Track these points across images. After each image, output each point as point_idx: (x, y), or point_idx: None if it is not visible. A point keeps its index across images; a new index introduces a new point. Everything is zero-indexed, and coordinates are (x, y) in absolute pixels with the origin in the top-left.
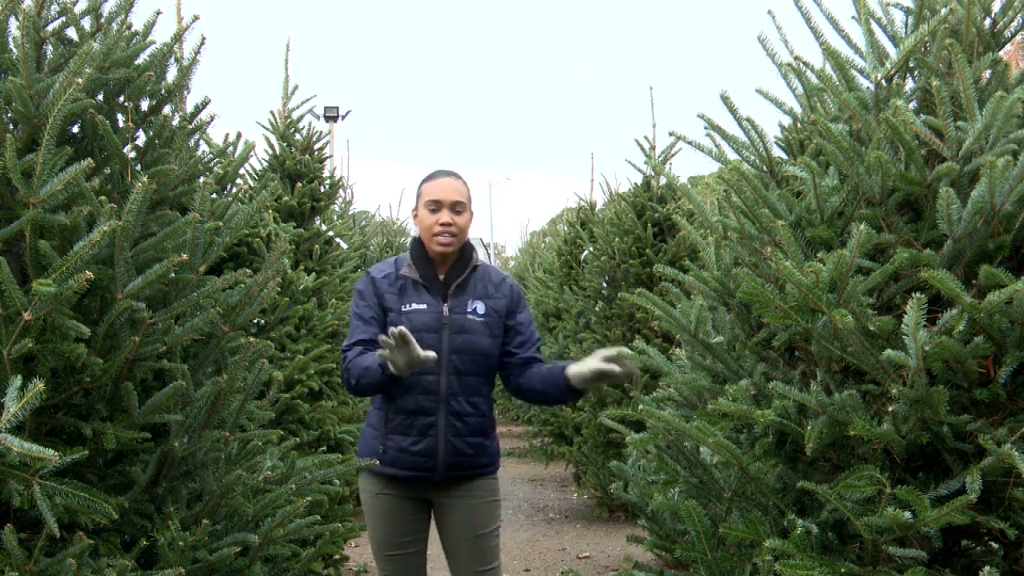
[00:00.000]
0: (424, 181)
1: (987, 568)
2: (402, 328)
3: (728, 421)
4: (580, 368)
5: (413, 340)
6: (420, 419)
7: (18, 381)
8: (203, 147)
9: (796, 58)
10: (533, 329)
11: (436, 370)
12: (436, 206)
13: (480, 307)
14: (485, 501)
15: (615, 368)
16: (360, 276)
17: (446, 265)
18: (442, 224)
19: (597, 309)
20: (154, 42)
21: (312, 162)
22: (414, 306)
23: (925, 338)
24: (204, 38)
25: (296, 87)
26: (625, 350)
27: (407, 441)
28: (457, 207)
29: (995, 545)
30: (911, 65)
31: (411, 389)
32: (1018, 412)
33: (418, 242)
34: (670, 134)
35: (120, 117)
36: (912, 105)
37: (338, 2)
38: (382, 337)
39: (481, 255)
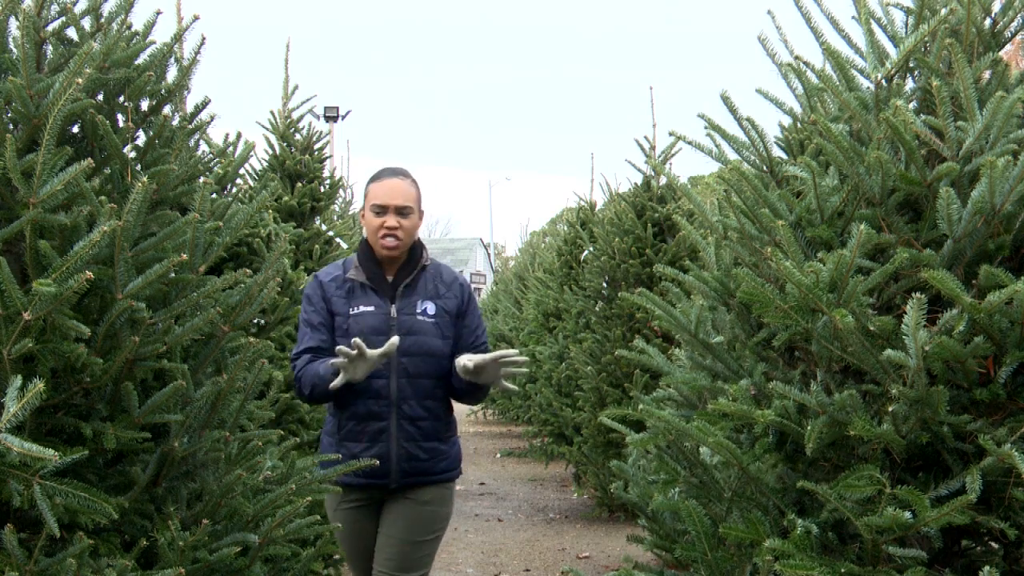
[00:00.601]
0: (371, 181)
1: (987, 568)
2: (358, 340)
3: (728, 421)
4: (464, 360)
5: (367, 351)
6: (371, 424)
7: (18, 381)
8: (203, 147)
9: (796, 58)
10: (480, 332)
11: (386, 373)
12: (381, 210)
13: (430, 307)
14: (430, 507)
15: (492, 369)
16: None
17: (394, 266)
18: (387, 228)
19: (597, 309)
20: (154, 42)
21: (312, 162)
22: (361, 308)
23: (925, 338)
24: (204, 38)
25: (296, 87)
26: (523, 359)
27: (359, 447)
28: (403, 211)
29: (995, 545)
30: (911, 65)
31: (361, 394)
32: (1018, 412)
33: (366, 243)
34: (670, 134)
35: (120, 117)
36: (912, 105)
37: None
38: (340, 348)
39: (481, 255)
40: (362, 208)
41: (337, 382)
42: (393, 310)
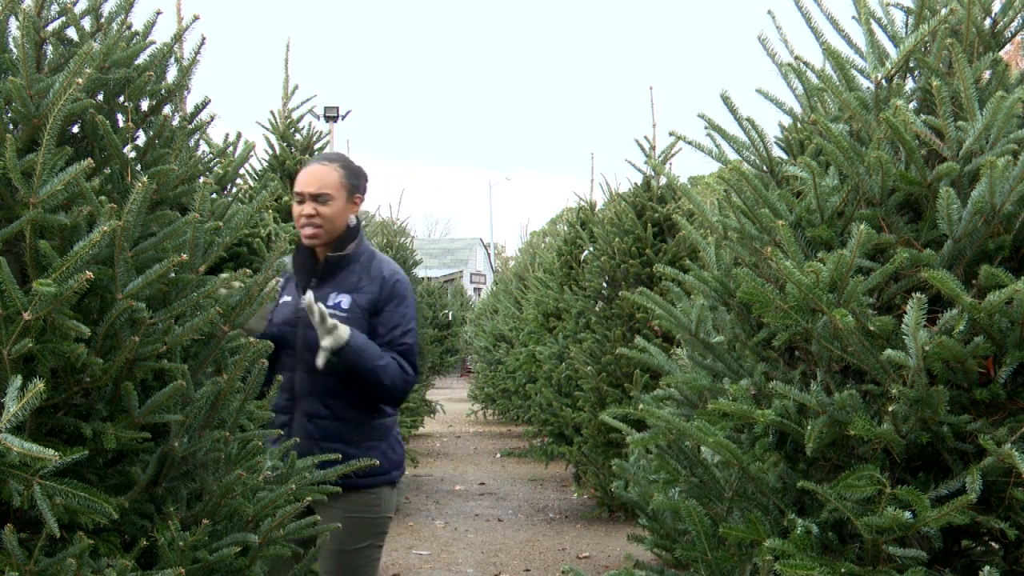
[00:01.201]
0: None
1: (987, 568)
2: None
3: (728, 421)
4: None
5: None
6: (278, 418)
7: (18, 381)
8: (203, 147)
9: (796, 58)
10: (397, 332)
11: (291, 366)
12: (300, 197)
13: (345, 301)
14: (352, 516)
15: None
16: None
17: (322, 256)
18: (305, 216)
19: (597, 309)
20: (154, 42)
21: None
22: (283, 299)
23: (925, 338)
24: (204, 38)
25: (296, 87)
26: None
27: (275, 439)
28: (319, 197)
29: (995, 545)
30: (911, 65)
31: (276, 384)
32: (1018, 412)
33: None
34: (670, 134)
35: (120, 117)
36: (912, 105)
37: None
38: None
39: (481, 255)
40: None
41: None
42: (303, 301)
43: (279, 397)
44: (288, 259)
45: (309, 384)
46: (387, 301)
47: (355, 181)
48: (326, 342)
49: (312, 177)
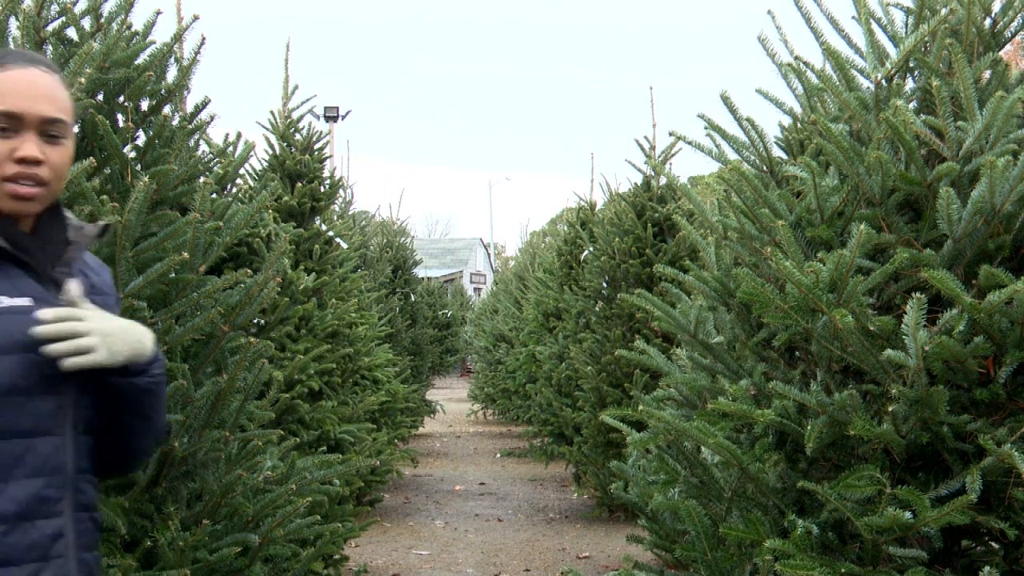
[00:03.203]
0: None
1: (987, 568)
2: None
3: (728, 421)
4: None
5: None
6: (42, 526)
7: None
8: (203, 147)
9: (796, 58)
10: None
11: (57, 423)
12: (13, 123)
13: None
14: None
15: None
16: None
17: (28, 226)
18: (21, 161)
19: (597, 309)
20: (154, 42)
21: (312, 162)
22: (8, 301)
23: (925, 338)
24: (204, 38)
25: (296, 87)
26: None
27: None
28: (55, 128)
29: (995, 545)
30: (911, 65)
31: (13, 466)
32: (1018, 412)
33: None
34: (670, 134)
35: (120, 117)
36: (912, 105)
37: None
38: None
39: (481, 255)
40: None
41: None
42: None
43: (43, 484)
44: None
45: (83, 450)
46: (116, 310)
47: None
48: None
49: (41, 91)
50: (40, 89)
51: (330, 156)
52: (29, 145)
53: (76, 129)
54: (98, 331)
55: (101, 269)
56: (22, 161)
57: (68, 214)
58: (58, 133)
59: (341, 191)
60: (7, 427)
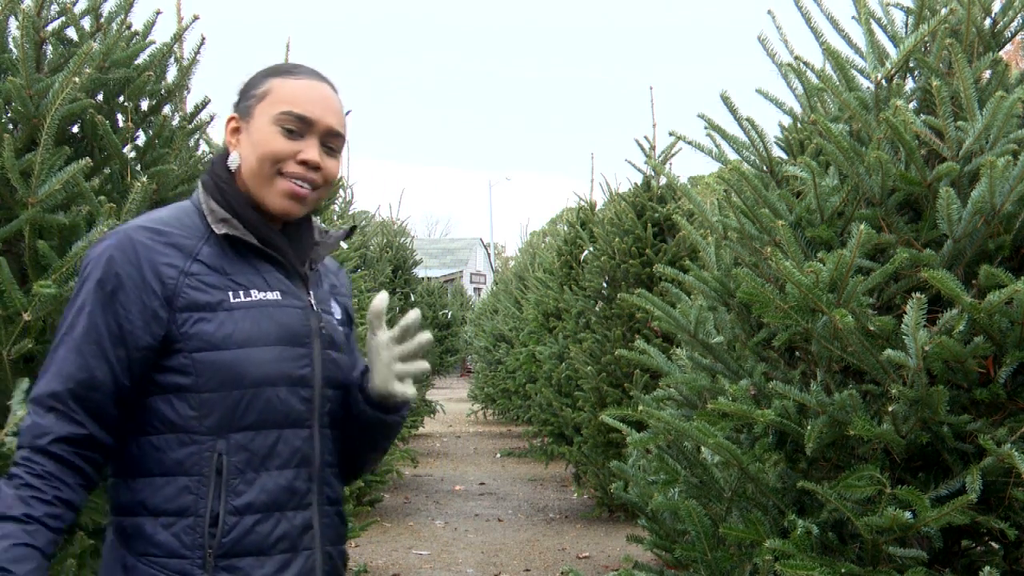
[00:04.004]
0: (274, 74)
1: (987, 568)
2: (413, 316)
3: (728, 421)
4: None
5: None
6: (286, 519)
7: (24, 383)
8: (203, 147)
9: (796, 58)
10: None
11: (306, 415)
12: (302, 126)
13: (335, 307)
14: None
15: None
16: (116, 248)
17: (277, 228)
18: (303, 163)
19: (597, 309)
20: (154, 42)
21: None
22: (259, 295)
23: (925, 338)
24: (204, 38)
25: None
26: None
27: (269, 569)
28: (333, 142)
29: (995, 545)
30: (911, 65)
31: (266, 457)
32: (1018, 412)
33: (228, 177)
34: (670, 134)
35: (120, 117)
36: (912, 105)
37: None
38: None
39: (481, 255)
40: (242, 116)
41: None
42: (312, 301)
43: (295, 477)
44: (176, 219)
45: (329, 445)
46: (352, 313)
47: None
48: (406, 388)
49: (329, 103)
50: (331, 102)
51: None
52: (313, 150)
53: (76, 129)
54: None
55: (339, 271)
56: (304, 163)
57: (315, 218)
58: (336, 147)
59: (341, 191)
60: (260, 418)
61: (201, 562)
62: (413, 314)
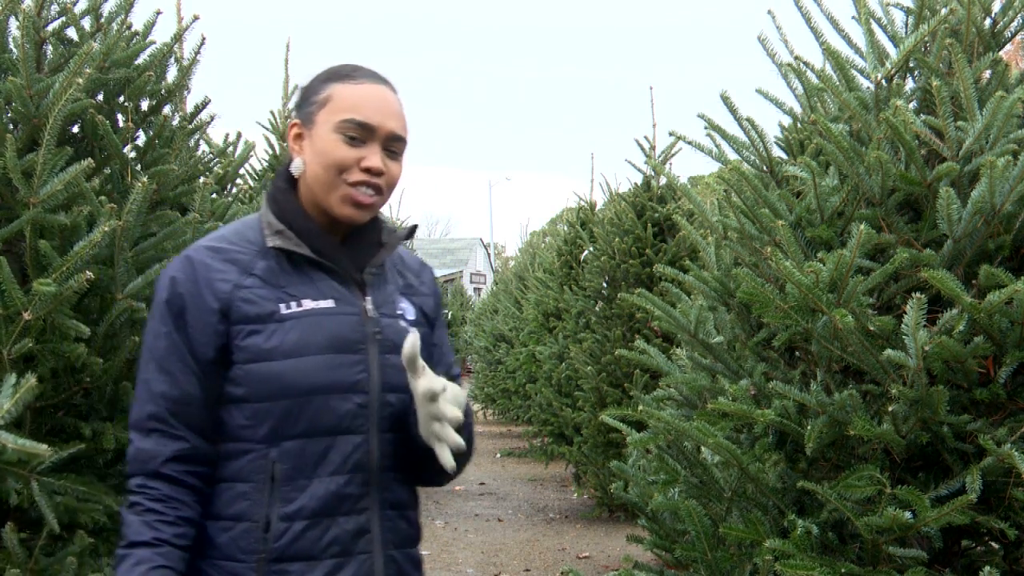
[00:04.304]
0: (334, 79)
1: (987, 568)
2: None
3: (728, 421)
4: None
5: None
6: (339, 523)
7: (12, 379)
8: (203, 147)
9: (796, 58)
10: (451, 356)
11: (363, 422)
12: (364, 133)
13: (408, 308)
14: None
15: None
16: (179, 270)
17: (340, 234)
18: (367, 170)
19: (597, 309)
20: (154, 42)
21: None
22: (310, 304)
23: (925, 338)
24: (204, 38)
25: (296, 87)
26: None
27: (317, 574)
28: (398, 145)
29: (995, 545)
30: (911, 65)
31: (317, 464)
32: (1018, 412)
33: (290, 187)
34: (670, 134)
35: (120, 117)
36: (912, 105)
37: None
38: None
39: (481, 255)
40: (302, 122)
41: None
42: (369, 306)
43: (347, 482)
44: (236, 235)
45: (391, 450)
46: (438, 311)
47: None
48: (444, 455)
49: (390, 107)
50: (391, 106)
51: None
52: (376, 157)
53: (76, 129)
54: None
55: (421, 269)
56: (367, 171)
57: (383, 217)
58: (398, 151)
59: None
60: (310, 426)
61: (255, 566)
62: (440, 383)
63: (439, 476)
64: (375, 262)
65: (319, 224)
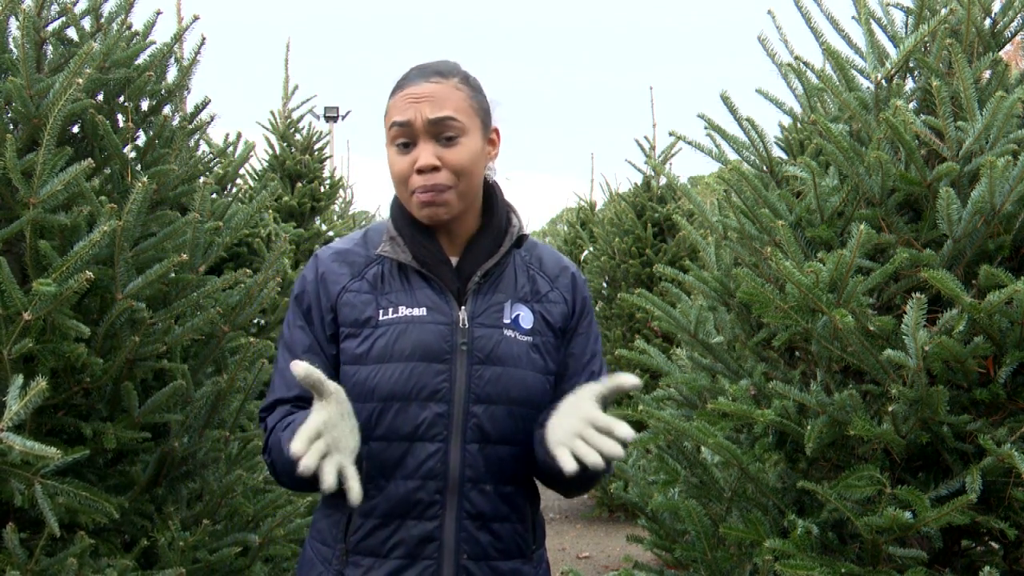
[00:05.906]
0: (391, 92)
1: (987, 568)
2: (300, 364)
3: (728, 421)
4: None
5: (323, 384)
6: (408, 527)
7: (19, 380)
8: (203, 147)
9: (796, 58)
10: (598, 365)
11: (441, 432)
12: (406, 136)
13: (526, 316)
14: None
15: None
16: (308, 269)
17: (459, 238)
18: (420, 170)
19: (597, 309)
20: (154, 42)
21: (312, 162)
22: (403, 312)
23: (925, 338)
24: (204, 38)
25: (296, 87)
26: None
27: (382, 572)
28: (445, 130)
29: (995, 545)
30: (911, 65)
31: (390, 469)
32: (1018, 412)
33: (399, 201)
34: (670, 134)
35: (120, 117)
36: (912, 105)
37: (339, 2)
38: (296, 367)
39: None
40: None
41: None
42: (462, 316)
43: (418, 489)
44: (353, 243)
45: (482, 462)
46: (580, 313)
47: (486, 103)
48: (567, 462)
49: (425, 94)
50: (426, 93)
51: (330, 156)
52: (424, 152)
53: (76, 129)
54: None
55: (559, 274)
56: (420, 171)
57: (514, 218)
58: (452, 133)
59: (341, 191)
60: (389, 431)
61: (339, 555)
62: (604, 422)
63: (565, 488)
64: (486, 268)
65: (432, 232)
